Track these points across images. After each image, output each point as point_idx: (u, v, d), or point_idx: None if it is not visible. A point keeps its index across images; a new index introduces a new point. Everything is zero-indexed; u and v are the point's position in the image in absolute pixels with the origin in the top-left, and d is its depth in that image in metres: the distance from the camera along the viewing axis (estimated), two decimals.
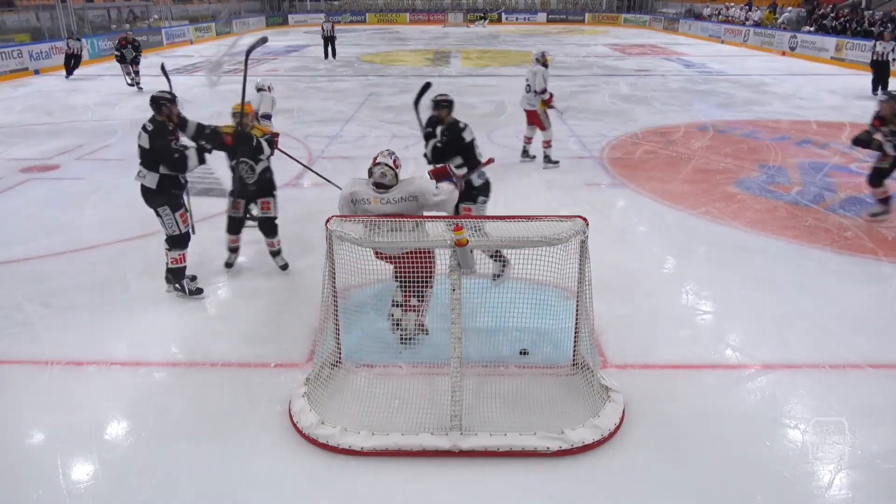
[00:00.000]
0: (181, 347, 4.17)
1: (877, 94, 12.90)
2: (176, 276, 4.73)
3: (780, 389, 3.68)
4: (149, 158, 4.42)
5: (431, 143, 4.85)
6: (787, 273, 5.15)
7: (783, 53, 21.19)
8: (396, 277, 3.82)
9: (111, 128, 10.73)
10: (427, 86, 5.10)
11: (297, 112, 11.85)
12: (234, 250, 5.15)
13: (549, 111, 8.05)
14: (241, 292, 4.93)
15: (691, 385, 3.75)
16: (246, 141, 4.85)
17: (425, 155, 4.89)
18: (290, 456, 3.16)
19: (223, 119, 5.06)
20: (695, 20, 29.27)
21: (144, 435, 3.32)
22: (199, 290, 4.78)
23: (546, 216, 3.46)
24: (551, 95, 7.97)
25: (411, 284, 3.60)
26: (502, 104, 12.66)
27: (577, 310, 3.61)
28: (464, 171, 4.56)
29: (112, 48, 16.35)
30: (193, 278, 4.92)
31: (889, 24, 17.79)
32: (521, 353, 3.88)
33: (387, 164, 3.67)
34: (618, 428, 3.28)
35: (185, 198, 4.71)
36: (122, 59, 14.26)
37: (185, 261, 4.72)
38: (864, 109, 11.88)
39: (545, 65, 7.94)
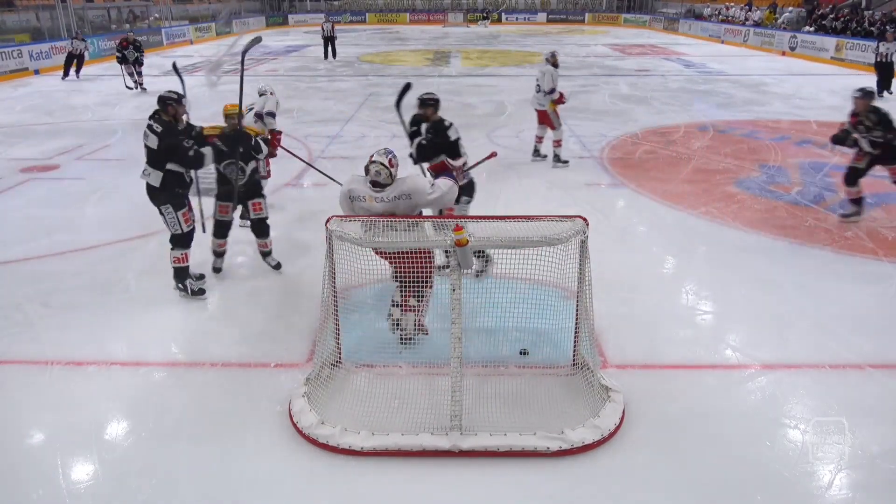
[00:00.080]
0: (181, 347, 4.18)
1: (882, 96, 12.83)
2: (178, 275, 4.73)
3: (780, 389, 3.68)
4: (155, 158, 4.43)
5: (416, 141, 4.86)
6: (787, 273, 5.15)
7: (783, 53, 21.19)
8: (395, 277, 3.81)
9: (111, 128, 10.73)
10: (408, 86, 5.10)
11: (297, 112, 11.85)
12: (221, 254, 5.08)
13: (559, 110, 8.06)
14: (241, 292, 4.93)
15: (691, 385, 3.75)
16: (244, 140, 4.85)
17: (411, 154, 4.89)
18: (290, 456, 3.16)
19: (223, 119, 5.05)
20: (695, 20, 29.27)
21: (144, 435, 3.32)
22: (202, 291, 4.78)
23: (546, 216, 3.47)
24: (562, 95, 7.98)
25: (410, 284, 3.60)
26: (502, 104, 12.66)
27: (577, 310, 3.61)
28: (461, 161, 4.44)
29: (112, 48, 16.36)
30: (201, 277, 4.93)
31: (890, 25, 17.78)
32: (521, 353, 3.88)
33: (381, 163, 3.68)
34: (618, 428, 3.28)
35: (196, 197, 4.70)
36: (123, 61, 14.13)
37: (187, 260, 4.72)
38: None
39: (555, 65, 7.95)
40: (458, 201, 4.65)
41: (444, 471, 3.07)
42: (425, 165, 4.96)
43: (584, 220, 3.42)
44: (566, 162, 8.20)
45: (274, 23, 36.28)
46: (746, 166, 8.13)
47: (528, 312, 3.70)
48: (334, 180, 5.69)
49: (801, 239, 5.82)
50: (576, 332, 3.68)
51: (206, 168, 4.63)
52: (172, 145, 4.38)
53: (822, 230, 6.01)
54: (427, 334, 3.99)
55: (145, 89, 14.14)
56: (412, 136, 4.92)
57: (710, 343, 4.20)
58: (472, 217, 3.51)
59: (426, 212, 4.06)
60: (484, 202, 6.58)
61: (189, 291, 4.73)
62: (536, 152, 8.48)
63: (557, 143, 8.16)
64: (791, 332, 4.28)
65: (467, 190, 4.76)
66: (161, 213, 4.58)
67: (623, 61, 19.96)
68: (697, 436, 3.29)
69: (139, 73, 14.34)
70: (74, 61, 15.90)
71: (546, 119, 8.09)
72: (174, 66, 5.70)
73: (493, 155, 4.59)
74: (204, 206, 5.16)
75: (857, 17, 20.11)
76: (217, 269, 5.10)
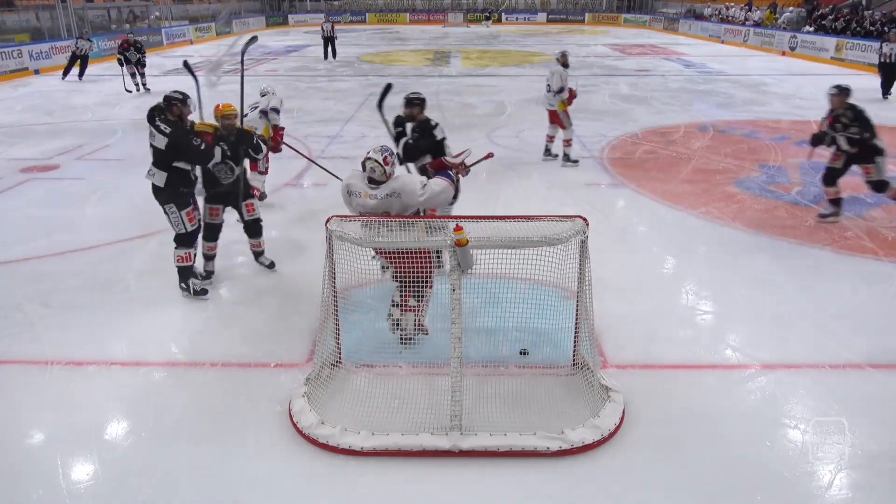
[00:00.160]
0: (181, 347, 4.18)
1: (887, 98, 12.73)
2: (181, 275, 4.73)
3: (780, 389, 3.68)
4: (161, 158, 4.45)
5: (403, 141, 4.85)
6: (787, 273, 5.15)
7: (783, 53, 21.18)
8: (395, 278, 3.81)
9: (111, 128, 10.74)
10: (388, 87, 5.10)
11: (297, 112, 11.85)
12: (211, 258, 5.03)
13: (569, 110, 8.08)
14: (240, 292, 4.93)
15: (691, 385, 3.76)
16: (248, 140, 4.86)
17: (397, 154, 4.89)
18: (290, 456, 3.16)
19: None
20: (695, 20, 29.27)
21: (144, 435, 3.32)
22: (204, 291, 4.78)
23: (546, 216, 3.47)
24: (572, 91, 8.00)
25: (409, 285, 3.60)
26: (502, 104, 12.67)
27: (577, 310, 3.61)
28: (461, 157, 4.37)
29: (112, 48, 16.34)
30: (208, 276, 4.95)
31: (889, 25, 17.78)
32: (521, 353, 3.88)
33: (376, 160, 3.69)
34: (618, 428, 3.28)
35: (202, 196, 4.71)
36: (126, 62, 13.92)
37: (191, 260, 4.72)
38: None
39: (565, 65, 7.96)
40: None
41: (444, 471, 3.07)
42: (411, 165, 4.94)
43: (584, 220, 3.42)
44: (576, 161, 8.24)
45: (274, 23, 36.27)
46: (746, 166, 8.13)
47: (528, 312, 3.70)
48: (336, 176, 5.69)
49: (801, 239, 5.82)
50: (576, 332, 3.68)
51: (211, 163, 4.62)
52: (182, 142, 4.40)
53: (822, 230, 6.00)
54: (427, 334, 3.99)
55: (149, 90, 14.07)
56: (398, 136, 4.92)
57: (710, 343, 4.20)
58: (472, 217, 3.50)
59: None
60: (484, 202, 6.61)
61: (191, 291, 4.73)
62: (547, 151, 8.51)
63: (567, 143, 8.20)
64: (791, 332, 4.28)
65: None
66: (165, 212, 4.59)
67: (623, 61, 19.96)
68: (697, 436, 3.29)
69: (142, 75, 14.23)
70: (77, 61, 15.73)
71: (556, 119, 8.13)
72: (185, 63, 5.71)
73: (490, 156, 4.56)
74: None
75: (857, 17, 20.11)
76: (209, 273, 5.03)
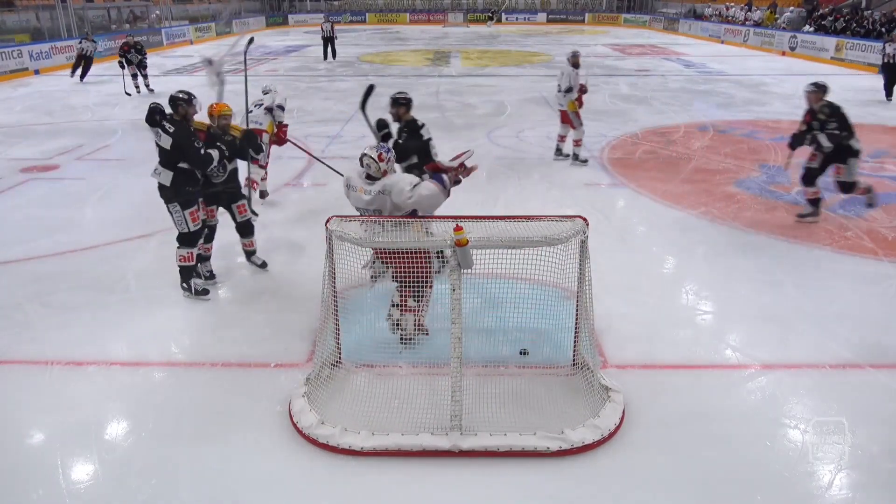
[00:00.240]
0: (181, 347, 4.18)
1: (891, 99, 12.63)
2: (183, 274, 4.74)
3: (780, 389, 3.68)
4: (167, 158, 4.46)
5: (391, 141, 4.86)
6: (787, 273, 5.15)
7: (783, 53, 21.19)
8: (395, 278, 3.82)
9: (111, 128, 10.74)
10: (371, 88, 5.10)
11: (297, 112, 11.84)
12: (206, 258, 5.02)
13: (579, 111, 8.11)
14: (241, 292, 4.93)
15: (691, 385, 3.75)
16: (252, 139, 4.87)
17: None
18: (290, 456, 3.16)
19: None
20: (695, 20, 29.27)
21: (144, 435, 3.32)
22: (206, 291, 4.78)
23: (546, 216, 3.47)
24: (582, 86, 8.02)
25: (408, 285, 3.60)
26: (502, 104, 12.67)
27: (577, 310, 3.61)
28: (461, 159, 4.29)
29: (112, 48, 16.32)
30: (212, 276, 4.96)
31: (888, 25, 17.78)
32: (521, 353, 3.88)
33: (371, 156, 3.74)
34: (618, 428, 3.28)
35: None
36: (127, 64, 13.76)
37: (192, 259, 4.73)
38: (865, 110, 11.89)
39: (575, 65, 7.98)
40: None
41: (444, 471, 3.07)
42: (397, 166, 4.92)
43: (584, 220, 3.42)
44: (585, 161, 8.28)
45: (274, 23, 36.27)
46: (746, 166, 8.12)
47: (528, 312, 3.70)
48: (338, 172, 5.69)
49: (801, 239, 5.82)
50: (576, 332, 3.68)
51: (211, 168, 4.62)
52: (184, 145, 4.41)
53: (822, 230, 6.01)
54: (427, 334, 3.99)
55: (153, 91, 14.02)
56: (384, 138, 4.91)
57: (710, 343, 4.20)
58: (473, 217, 3.49)
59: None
60: (484, 202, 6.62)
61: (193, 291, 4.74)
62: (559, 151, 8.54)
63: (577, 143, 8.25)
64: (791, 332, 4.28)
65: None
66: (169, 210, 4.61)
67: (623, 61, 19.96)
68: (697, 436, 3.29)
69: (145, 76, 14.13)
70: (83, 62, 15.55)
71: (567, 119, 8.17)
72: (207, 61, 5.70)
73: (468, 153, 4.41)
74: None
75: (857, 18, 20.12)
76: (212, 274, 5.03)
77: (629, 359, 3.96)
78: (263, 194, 6.77)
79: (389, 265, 3.78)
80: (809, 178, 6.07)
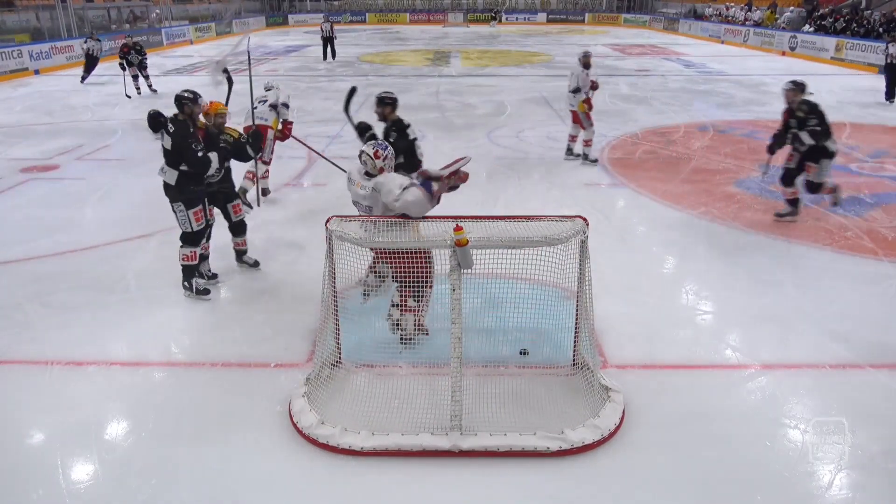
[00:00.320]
0: (181, 347, 4.18)
1: (892, 101, 12.55)
2: (185, 273, 4.74)
3: (780, 389, 3.68)
4: (170, 157, 4.47)
5: (367, 143, 4.83)
6: (787, 273, 5.15)
7: (783, 53, 21.19)
8: (394, 278, 3.82)
9: (111, 128, 10.73)
10: (353, 90, 5.10)
11: (297, 112, 11.80)
12: (205, 257, 5.02)
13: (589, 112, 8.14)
14: (241, 292, 4.93)
15: (691, 385, 3.75)
16: (259, 139, 4.87)
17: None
18: (291, 456, 3.16)
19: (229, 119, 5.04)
20: (695, 20, 29.28)
21: (144, 435, 3.32)
22: (207, 291, 4.79)
23: (546, 216, 3.47)
24: (593, 87, 8.04)
25: (408, 285, 3.59)
26: (502, 104, 12.67)
27: (577, 310, 3.61)
28: (455, 167, 4.04)
29: (112, 48, 16.27)
30: (214, 276, 4.97)
31: (888, 25, 17.78)
32: (521, 353, 3.88)
33: (367, 153, 3.77)
34: (618, 428, 3.28)
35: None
36: (129, 65, 13.65)
37: (195, 259, 4.73)
38: (865, 110, 11.90)
39: (586, 66, 8.00)
40: None
41: (444, 471, 3.07)
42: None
43: (584, 220, 3.43)
44: (595, 161, 8.30)
45: (274, 23, 36.27)
46: (746, 166, 8.12)
47: (528, 312, 3.70)
48: (342, 169, 5.69)
49: (801, 239, 5.82)
50: (576, 332, 3.68)
51: (211, 171, 4.62)
52: (182, 146, 4.42)
53: (822, 230, 6.01)
54: (427, 334, 3.99)
55: (155, 91, 13.99)
56: (370, 139, 4.88)
57: (710, 343, 4.20)
58: (473, 217, 3.49)
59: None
60: (484, 202, 6.62)
61: (194, 290, 4.74)
62: (569, 151, 8.57)
63: (587, 143, 8.27)
64: (791, 332, 4.28)
65: None
66: (173, 209, 4.62)
67: (623, 61, 19.96)
68: (697, 436, 3.29)
69: (146, 77, 14.05)
70: (87, 62, 15.34)
71: (578, 119, 8.20)
72: (216, 62, 5.72)
73: (464, 160, 4.27)
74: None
75: (857, 18, 20.12)
76: (214, 274, 5.04)
77: (629, 359, 3.96)
78: (266, 191, 6.78)
79: (389, 266, 3.79)
80: (788, 178, 6.10)
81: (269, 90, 6.80)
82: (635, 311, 4.53)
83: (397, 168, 4.74)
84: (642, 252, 5.67)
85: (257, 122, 6.00)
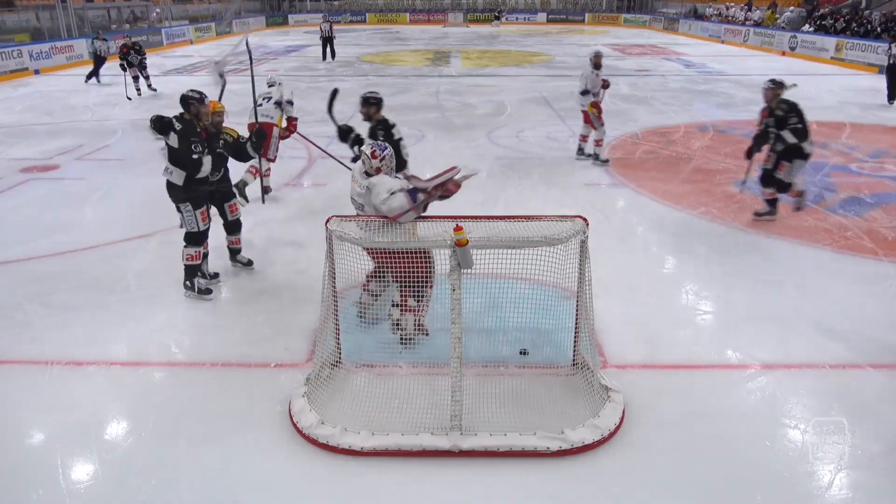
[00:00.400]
0: (181, 347, 4.18)
1: (892, 103, 12.50)
2: (188, 272, 4.74)
3: (780, 389, 3.68)
4: (175, 157, 4.48)
5: (367, 143, 4.84)
6: (787, 273, 5.15)
7: (783, 53, 21.19)
8: (394, 278, 3.82)
9: (111, 128, 10.73)
10: (335, 92, 5.09)
11: (297, 112, 11.82)
12: (205, 256, 4.98)
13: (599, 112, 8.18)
14: (241, 292, 4.93)
15: (691, 385, 3.75)
16: (262, 138, 4.88)
17: (364, 153, 4.85)
18: (291, 456, 3.16)
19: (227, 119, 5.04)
20: (695, 20, 29.28)
21: (144, 435, 3.32)
22: (209, 291, 4.79)
23: (546, 216, 3.47)
24: (604, 85, 8.09)
25: (408, 285, 3.59)
26: (502, 104, 12.66)
27: (577, 310, 3.61)
28: (444, 178, 3.73)
29: (113, 48, 16.23)
30: (215, 276, 4.98)
31: (887, 25, 17.78)
32: (521, 353, 3.88)
33: (365, 153, 3.79)
34: (618, 428, 3.28)
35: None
36: (129, 66, 13.55)
37: (199, 258, 4.74)
38: (865, 111, 11.90)
39: (596, 66, 8.01)
40: None
41: (444, 471, 3.07)
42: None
43: (584, 220, 3.43)
44: (606, 161, 8.29)
45: (274, 23, 36.27)
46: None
47: (528, 312, 3.70)
48: (346, 167, 5.69)
49: (801, 239, 5.82)
50: (576, 332, 3.68)
51: (203, 174, 4.61)
52: (181, 146, 4.43)
53: (822, 230, 6.01)
54: (427, 335, 3.99)
55: (156, 90, 13.97)
56: (356, 140, 4.87)
57: (710, 343, 4.20)
58: (473, 217, 3.49)
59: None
60: (484, 202, 6.62)
61: (196, 290, 4.74)
62: (580, 151, 8.58)
63: (598, 143, 8.28)
64: (791, 332, 4.28)
65: None
66: (179, 210, 4.63)
67: (623, 61, 19.95)
68: (697, 436, 3.29)
69: (146, 77, 14.01)
70: (95, 62, 15.32)
71: (589, 119, 8.22)
72: (214, 61, 5.71)
73: (453, 170, 4.13)
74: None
75: (856, 18, 20.12)
76: (216, 274, 5.05)
77: (629, 359, 3.96)
78: (268, 189, 6.78)
79: (389, 266, 3.78)
80: (767, 178, 6.09)
81: (272, 86, 6.84)
82: (635, 311, 4.54)
83: None
84: (642, 252, 5.67)
85: (263, 119, 6.00)
